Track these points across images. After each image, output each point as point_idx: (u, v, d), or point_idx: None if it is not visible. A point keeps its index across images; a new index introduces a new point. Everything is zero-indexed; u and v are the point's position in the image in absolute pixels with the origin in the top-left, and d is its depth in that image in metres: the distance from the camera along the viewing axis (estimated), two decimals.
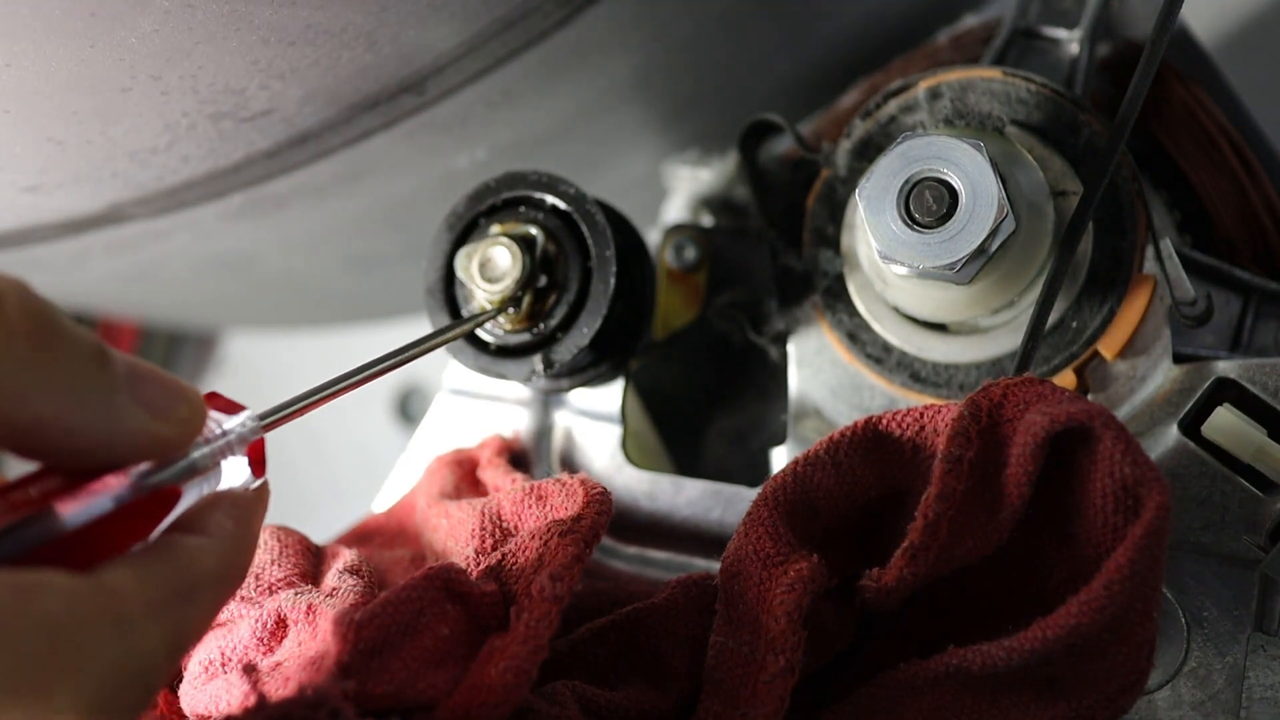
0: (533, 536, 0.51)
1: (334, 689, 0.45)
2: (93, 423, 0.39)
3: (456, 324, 0.61)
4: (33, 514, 0.38)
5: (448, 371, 0.74)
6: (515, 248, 0.61)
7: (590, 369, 0.68)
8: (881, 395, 0.64)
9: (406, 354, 0.55)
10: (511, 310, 0.62)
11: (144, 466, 0.41)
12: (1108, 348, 0.60)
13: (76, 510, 0.39)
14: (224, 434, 0.44)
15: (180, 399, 0.41)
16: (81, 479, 0.39)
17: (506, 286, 0.61)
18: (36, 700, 0.35)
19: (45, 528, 0.38)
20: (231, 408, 0.45)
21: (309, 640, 0.52)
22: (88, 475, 0.40)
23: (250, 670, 0.51)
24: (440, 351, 0.64)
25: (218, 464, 0.44)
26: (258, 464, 0.46)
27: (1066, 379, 0.61)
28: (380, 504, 0.73)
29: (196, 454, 0.43)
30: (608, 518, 0.52)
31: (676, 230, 0.72)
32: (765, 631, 0.49)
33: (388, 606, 0.47)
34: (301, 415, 0.49)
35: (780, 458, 0.67)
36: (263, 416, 0.46)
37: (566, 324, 0.62)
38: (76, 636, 0.36)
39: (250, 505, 0.45)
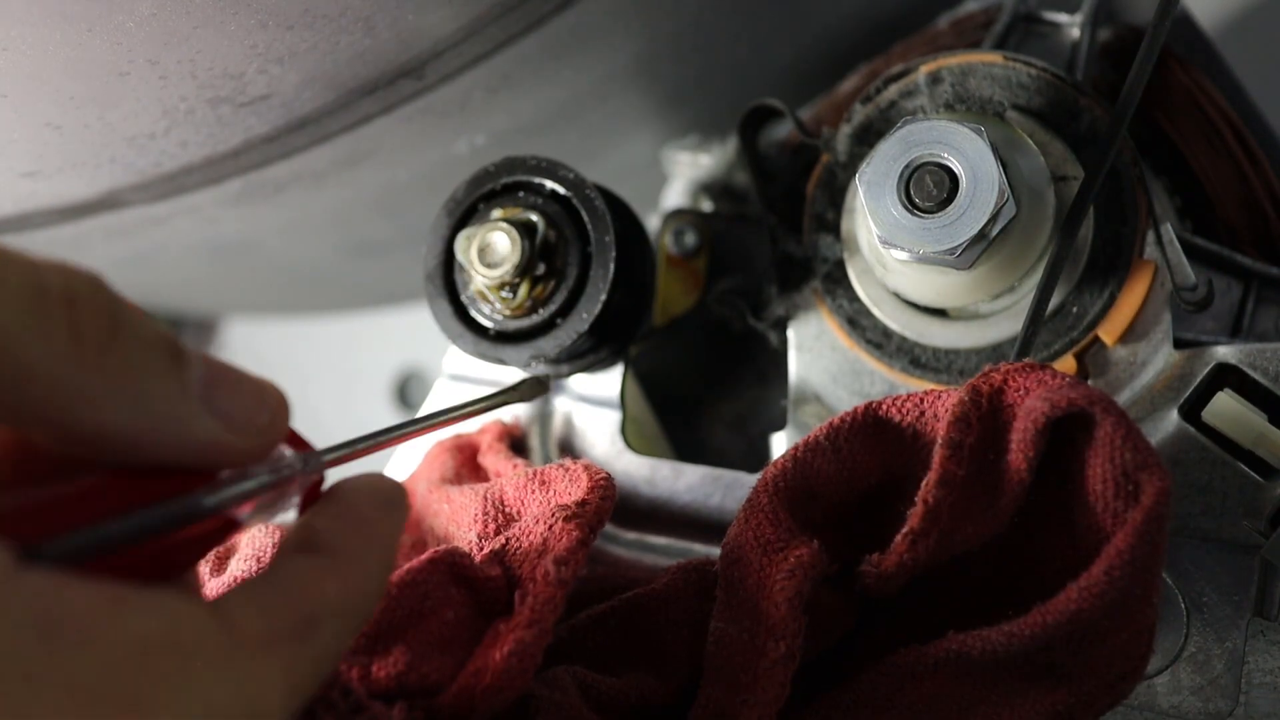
0: (537, 521, 0.51)
1: (341, 672, 0.45)
2: (161, 433, 0.36)
3: (518, 386, 0.59)
4: (83, 521, 0.35)
5: (447, 357, 0.74)
6: (514, 233, 0.61)
7: (590, 354, 0.68)
8: (881, 381, 0.64)
9: (473, 407, 0.54)
10: (508, 295, 0.62)
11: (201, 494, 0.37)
12: (1108, 333, 0.60)
13: (131, 522, 0.35)
14: (292, 466, 0.40)
15: (260, 406, 0.38)
16: (135, 483, 0.36)
17: (505, 272, 0.61)
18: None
19: (97, 537, 0.35)
20: (298, 443, 0.42)
21: None
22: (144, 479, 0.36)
23: None
24: (439, 336, 0.64)
25: (287, 498, 0.40)
26: (309, 505, 0.42)
27: (1067, 364, 0.61)
28: None
29: (259, 481, 0.39)
30: (611, 503, 0.52)
31: (676, 216, 0.72)
32: (765, 617, 0.49)
33: (393, 590, 0.47)
34: (363, 456, 0.46)
35: (780, 443, 0.67)
36: (323, 453, 0.42)
37: (566, 309, 0.62)
38: (177, 662, 0.33)
39: (378, 518, 0.41)
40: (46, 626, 0.30)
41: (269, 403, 0.39)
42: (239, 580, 0.56)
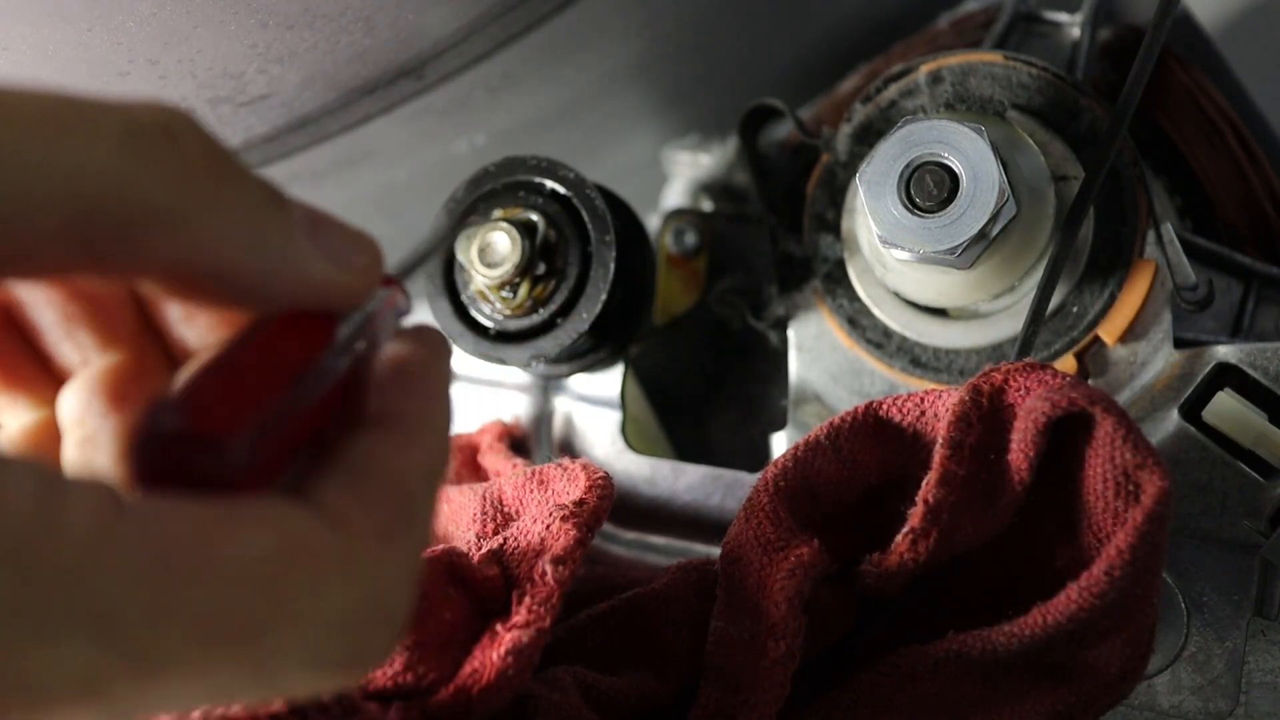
0: (534, 521, 0.51)
1: None
2: (275, 266, 0.34)
3: None
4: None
5: None
6: (514, 233, 0.61)
7: (590, 354, 0.68)
8: (881, 380, 0.64)
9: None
10: (508, 295, 0.62)
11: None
12: (1108, 333, 0.60)
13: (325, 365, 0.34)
14: (388, 302, 0.39)
15: (359, 246, 0.37)
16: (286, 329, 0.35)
17: (505, 272, 0.61)
18: (246, 650, 0.30)
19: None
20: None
21: None
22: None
23: None
24: None
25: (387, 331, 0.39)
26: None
27: (1067, 364, 0.61)
28: None
29: (361, 314, 0.37)
30: (609, 502, 0.52)
31: (676, 216, 0.72)
32: (766, 617, 0.49)
33: None
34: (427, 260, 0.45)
35: (780, 443, 0.67)
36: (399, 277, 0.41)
37: (566, 309, 0.62)
38: (301, 574, 0.31)
39: (431, 370, 0.39)
40: (160, 559, 0.29)
41: (365, 243, 0.38)
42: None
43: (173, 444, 0.31)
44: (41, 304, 0.38)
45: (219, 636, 0.30)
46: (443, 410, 0.39)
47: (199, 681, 0.30)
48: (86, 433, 0.39)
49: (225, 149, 0.33)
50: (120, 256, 0.31)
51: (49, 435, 0.41)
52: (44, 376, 0.41)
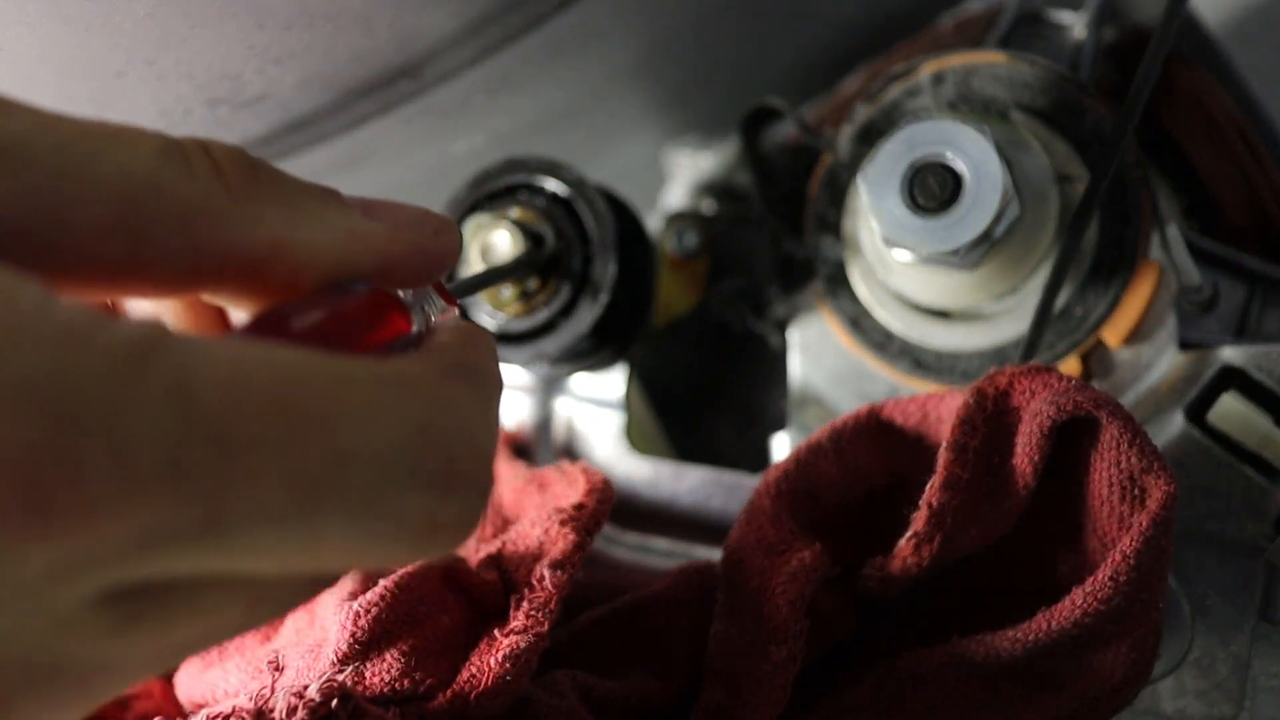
0: (533, 524, 0.51)
1: (336, 677, 0.44)
2: (333, 245, 0.35)
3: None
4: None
5: None
6: (516, 233, 0.60)
7: (591, 355, 0.67)
8: (883, 383, 0.64)
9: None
10: (509, 295, 0.62)
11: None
12: (1113, 334, 0.60)
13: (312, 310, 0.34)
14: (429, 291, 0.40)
15: (425, 217, 0.38)
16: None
17: None
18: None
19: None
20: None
21: (306, 628, 0.52)
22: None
23: (248, 658, 0.51)
24: None
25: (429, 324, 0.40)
26: None
27: (1071, 366, 0.60)
28: None
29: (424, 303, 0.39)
30: (609, 506, 0.52)
31: (677, 217, 0.72)
32: (767, 620, 0.48)
33: (387, 595, 0.47)
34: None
35: (782, 445, 0.67)
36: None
37: (567, 310, 0.62)
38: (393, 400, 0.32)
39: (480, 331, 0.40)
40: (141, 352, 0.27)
41: (433, 216, 0.38)
42: None
43: (344, 306, 0.34)
44: None
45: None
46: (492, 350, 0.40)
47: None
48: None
49: (267, 162, 0.35)
50: (172, 253, 0.32)
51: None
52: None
